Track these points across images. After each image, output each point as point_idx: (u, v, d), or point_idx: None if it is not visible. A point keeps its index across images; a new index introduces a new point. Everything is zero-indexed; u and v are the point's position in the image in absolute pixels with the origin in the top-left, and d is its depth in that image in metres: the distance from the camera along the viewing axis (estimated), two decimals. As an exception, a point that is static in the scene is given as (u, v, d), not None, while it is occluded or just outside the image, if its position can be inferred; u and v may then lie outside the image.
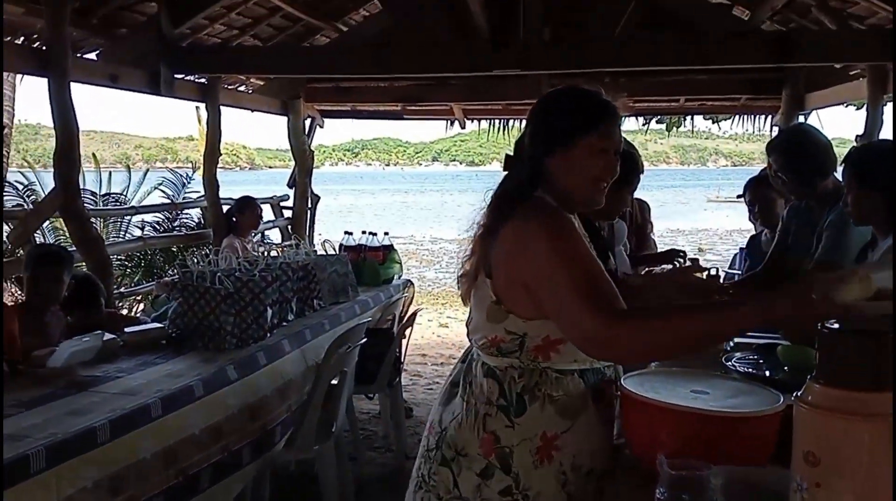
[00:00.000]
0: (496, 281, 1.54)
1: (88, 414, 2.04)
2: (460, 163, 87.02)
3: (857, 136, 4.91)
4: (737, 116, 7.11)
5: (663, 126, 8.66)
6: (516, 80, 5.08)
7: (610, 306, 1.38)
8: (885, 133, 4.78)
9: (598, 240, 2.98)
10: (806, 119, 6.08)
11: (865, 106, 4.80)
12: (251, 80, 6.40)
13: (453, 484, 1.56)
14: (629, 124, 7.54)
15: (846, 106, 6.29)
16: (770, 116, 6.58)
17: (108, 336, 2.66)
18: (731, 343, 2.03)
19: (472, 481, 1.54)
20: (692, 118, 7.53)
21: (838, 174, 2.48)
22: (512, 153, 1.67)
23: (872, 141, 2.29)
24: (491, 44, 4.67)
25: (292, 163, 7.04)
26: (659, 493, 1.26)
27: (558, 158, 1.57)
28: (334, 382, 3.19)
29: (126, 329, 2.88)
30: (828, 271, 1.25)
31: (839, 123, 8.90)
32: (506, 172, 1.66)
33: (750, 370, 1.91)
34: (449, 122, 7.61)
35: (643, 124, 7.81)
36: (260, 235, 6.06)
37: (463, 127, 7.62)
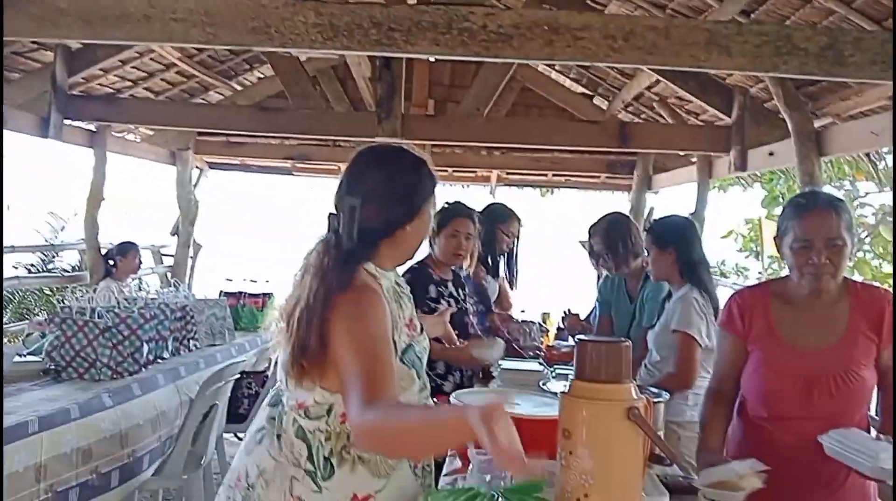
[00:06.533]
0: (316, 350, 1.49)
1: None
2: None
3: (690, 213, 5.64)
4: (599, 192, 7.81)
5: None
6: (401, 146, 5.44)
7: (375, 396, 1.36)
8: (710, 212, 5.56)
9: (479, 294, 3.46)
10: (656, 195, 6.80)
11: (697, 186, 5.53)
12: (140, 129, 6.48)
13: None
14: (503, 192, 8.09)
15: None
16: (626, 193, 7.08)
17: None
18: (553, 371, 2.42)
19: None
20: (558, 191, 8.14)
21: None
22: (334, 210, 1.65)
23: (666, 216, 2.92)
24: (376, 115, 5.09)
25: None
26: (469, 475, 1.59)
27: (409, 228, 1.61)
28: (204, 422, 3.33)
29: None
30: None
31: (685, 201, 9.86)
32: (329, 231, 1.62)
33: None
34: (337, 180, 7.88)
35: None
36: (138, 280, 6.06)
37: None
